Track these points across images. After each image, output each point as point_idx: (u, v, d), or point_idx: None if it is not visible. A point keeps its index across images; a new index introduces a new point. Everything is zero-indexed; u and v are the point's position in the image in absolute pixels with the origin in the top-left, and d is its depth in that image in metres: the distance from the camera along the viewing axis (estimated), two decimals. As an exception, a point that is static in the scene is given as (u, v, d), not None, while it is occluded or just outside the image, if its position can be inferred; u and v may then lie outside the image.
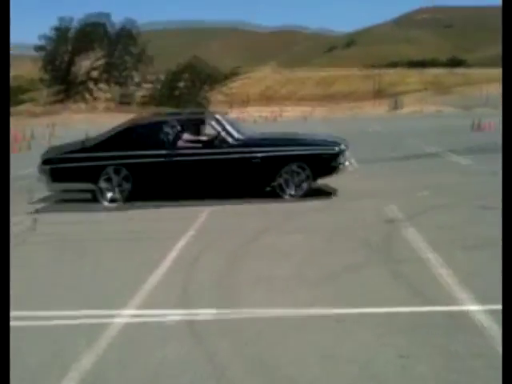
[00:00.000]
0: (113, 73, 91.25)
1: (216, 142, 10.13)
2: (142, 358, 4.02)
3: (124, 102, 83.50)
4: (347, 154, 10.33)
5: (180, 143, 10.16)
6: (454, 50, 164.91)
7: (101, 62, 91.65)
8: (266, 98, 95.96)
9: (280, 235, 7.48)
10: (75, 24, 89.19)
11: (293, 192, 9.93)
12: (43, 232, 8.23)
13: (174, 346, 4.18)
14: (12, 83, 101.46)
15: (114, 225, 8.73)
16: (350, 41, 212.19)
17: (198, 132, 10.74)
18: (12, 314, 4.67)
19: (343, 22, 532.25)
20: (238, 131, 10.40)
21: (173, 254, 6.53)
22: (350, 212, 8.84)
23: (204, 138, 10.56)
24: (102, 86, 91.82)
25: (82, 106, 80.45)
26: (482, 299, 4.74)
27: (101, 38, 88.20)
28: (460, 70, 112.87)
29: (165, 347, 4.16)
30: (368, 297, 5.00)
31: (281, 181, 9.91)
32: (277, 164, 9.90)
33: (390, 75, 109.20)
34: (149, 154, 9.94)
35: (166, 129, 10.28)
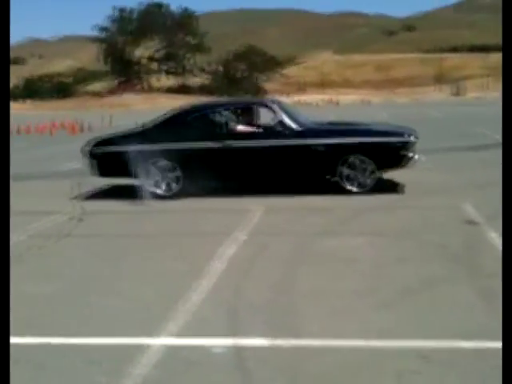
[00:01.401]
0: (171, 63, 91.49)
1: (272, 130, 9.30)
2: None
3: (182, 91, 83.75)
4: (416, 145, 9.29)
5: (235, 132, 9.39)
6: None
7: (159, 52, 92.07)
8: (324, 84, 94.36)
9: (342, 238, 6.62)
10: (133, 14, 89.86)
11: (356, 187, 9.02)
12: (89, 223, 7.77)
13: (217, 384, 3.40)
14: (75, 75, 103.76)
15: (163, 217, 8.09)
16: (409, 25, 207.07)
17: (253, 120, 9.90)
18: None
19: (400, 7, 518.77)
20: (296, 119, 9.52)
21: (220, 262, 5.73)
22: (421, 211, 7.87)
23: (260, 127, 9.69)
24: (160, 76, 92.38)
25: (141, 97, 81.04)
26: None
27: (159, 29, 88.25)
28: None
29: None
30: (456, 325, 4.07)
31: (342, 174, 9.01)
32: (336, 155, 8.97)
33: (452, 60, 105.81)
34: (199, 144, 9.20)
35: (219, 116, 9.54)
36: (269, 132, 9.32)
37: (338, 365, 3.59)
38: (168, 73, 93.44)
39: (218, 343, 3.92)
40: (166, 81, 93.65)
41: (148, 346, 3.89)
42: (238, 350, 3.82)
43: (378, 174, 9.05)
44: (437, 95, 67.99)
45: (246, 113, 9.79)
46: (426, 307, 4.42)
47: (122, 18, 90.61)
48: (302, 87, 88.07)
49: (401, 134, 9.32)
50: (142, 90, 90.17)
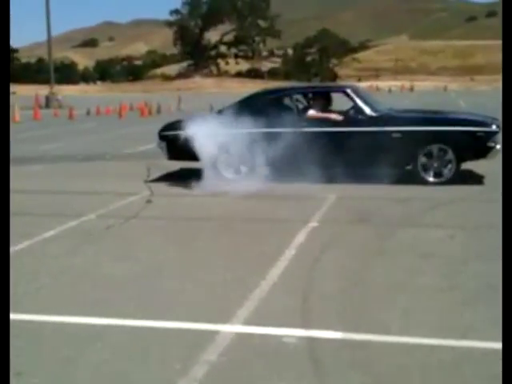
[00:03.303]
0: (241, 47, 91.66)
1: (349, 116, 9.09)
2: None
3: (252, 76, 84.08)
4: (499, 135, 8.83)
5: (310, 117, 9.18)
6: None
7: (229, 35, 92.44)
8: (398, 70, 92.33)
9: (419, 230, 6.33)
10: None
11: (433, 177, 8.67)
12: (159, 206, 7.80)
13: (288, 379, 3.27)
14: (146, 58, 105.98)
15: (231, 202, 8.00)
16: (492, 11, 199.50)
17: (330, 105, 9.64)
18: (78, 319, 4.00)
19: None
20: (373, 106, 9.23)
21: (291, 250, 5.58)
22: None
23: (337, 112, 9.42)
24: (229, 60, 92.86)
25: (210, 81, 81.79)
26: None
27: (229, 11, 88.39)
28: None
29: (279, 380, 3.25)
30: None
31: (420, 163, 8.67)
32: (417, 144, 8.64)
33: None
34: (272, 129, 9.02)
35: (295, 101, 9.38)
36: (346, 118, 9.09)
37: (417, 364, 3.38)
38: (237, 56, 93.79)
39: (289, 333, 3.79)
40: (235, 64, 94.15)
41: (218, 333, 3.80)
42: (310, 341, 3.68)
43: (458, 165, 8.67)
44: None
45: (323, 98, 9.55)
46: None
47: (194, 1, 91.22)
48: (375, 72, 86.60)
49: (483, 124, 8.92)
50: (211, 74, 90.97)
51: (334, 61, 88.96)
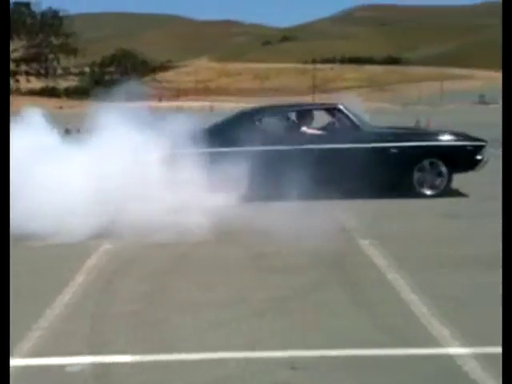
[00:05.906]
0: (32, 64, 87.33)
1: (346, 133, 9.01)
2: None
3: (47, 94, 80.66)
4: (486, 148, 9.29)
5: (305, 134, 9.03)
6: (391, 49, 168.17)
7: (18, 52, 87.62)
8: (200, 91, 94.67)
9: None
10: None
11: (428, 190, 8.94)
12: None
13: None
14: None
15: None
16: (286, 36, 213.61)
17: (311, 123, 9.46)
18: None
19: (279, 18, 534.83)
20: (364, 123, 9.28)
21: (81, 275, 5.35)
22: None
23: (333, 130, 9.28)
24: (19, 77, 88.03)
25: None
26: None
27: (19, 28, 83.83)
28: (397, 68, 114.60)
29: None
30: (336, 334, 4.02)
31: (415, 177, 8.88)
32: (413, 158, 8.85)
33: (327, 71, 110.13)
34: (267, 147, 8.56)
35: (286, 119, 9.37)
36: (342, 135, 9.03)
37: (205, 379, 3.39)
38: (28, 74, 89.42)
39: (74, 361, 3.59)
40: (26, 83, 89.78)
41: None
42: (97, 368, 3.52)
43: (450, 177, 9.00)
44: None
45: (308, 116, 9.41)
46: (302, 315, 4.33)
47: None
48: (176, 93, 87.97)
49: (473, 138, 9.45)
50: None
51: (135, 80, 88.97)
